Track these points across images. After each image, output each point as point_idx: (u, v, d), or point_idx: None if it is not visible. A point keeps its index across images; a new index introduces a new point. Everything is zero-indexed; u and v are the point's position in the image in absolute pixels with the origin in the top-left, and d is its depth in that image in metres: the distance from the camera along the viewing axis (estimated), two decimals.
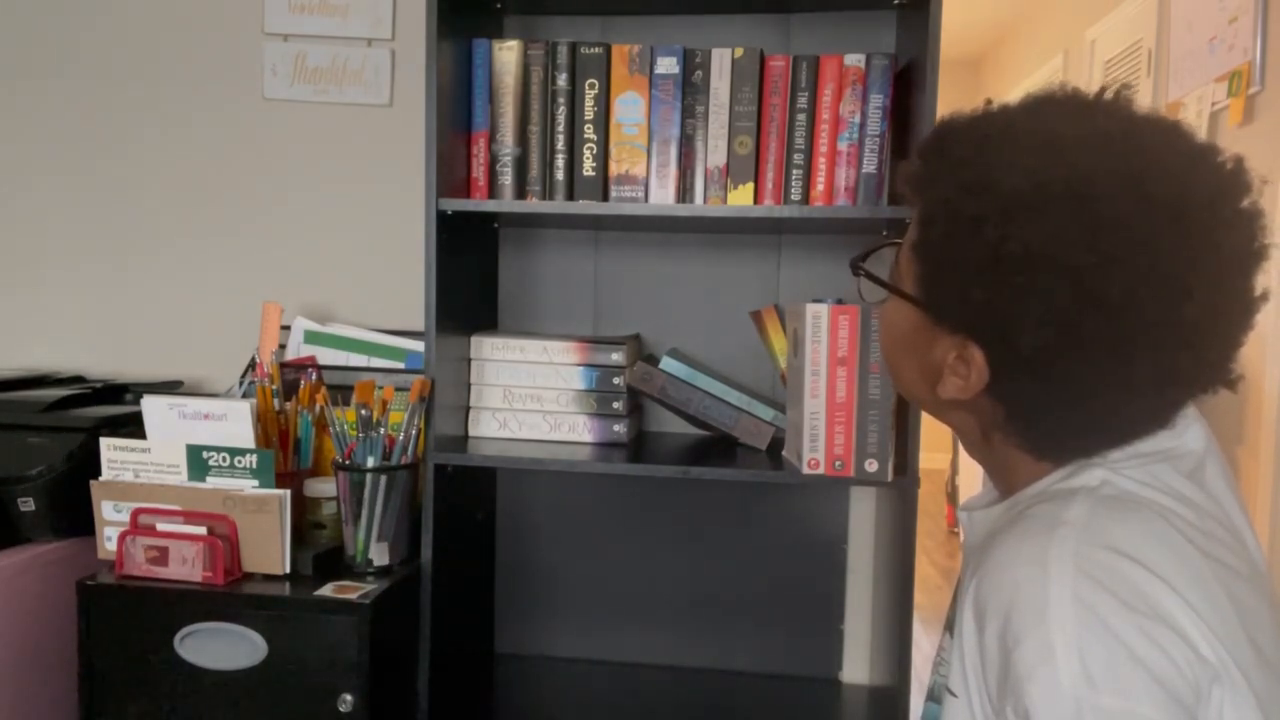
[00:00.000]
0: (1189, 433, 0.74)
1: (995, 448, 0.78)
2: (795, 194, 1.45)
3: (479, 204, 1.48)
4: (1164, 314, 0.64)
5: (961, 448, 0.84)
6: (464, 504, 1.59)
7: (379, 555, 1.40)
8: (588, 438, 1.54)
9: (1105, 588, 0.62)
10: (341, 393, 1.51)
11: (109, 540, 1.39)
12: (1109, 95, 0.71)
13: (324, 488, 1.46)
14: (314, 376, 1.56)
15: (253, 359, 1.63)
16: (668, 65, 1.46)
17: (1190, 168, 0.66)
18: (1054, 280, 0.65)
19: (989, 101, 0.77)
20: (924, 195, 0.75)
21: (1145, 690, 0.60)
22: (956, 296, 0.71)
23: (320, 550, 1.41)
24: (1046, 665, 0.61)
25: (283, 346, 1.66)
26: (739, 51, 1.44)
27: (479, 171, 1.51)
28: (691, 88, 1.46)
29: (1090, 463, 0.72)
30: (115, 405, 1.62)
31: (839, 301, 1.40)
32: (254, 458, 1.36)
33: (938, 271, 0.73)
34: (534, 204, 1.49)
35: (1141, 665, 0.60)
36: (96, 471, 1.41)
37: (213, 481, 1.37)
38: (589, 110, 1.48)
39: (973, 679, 0.69)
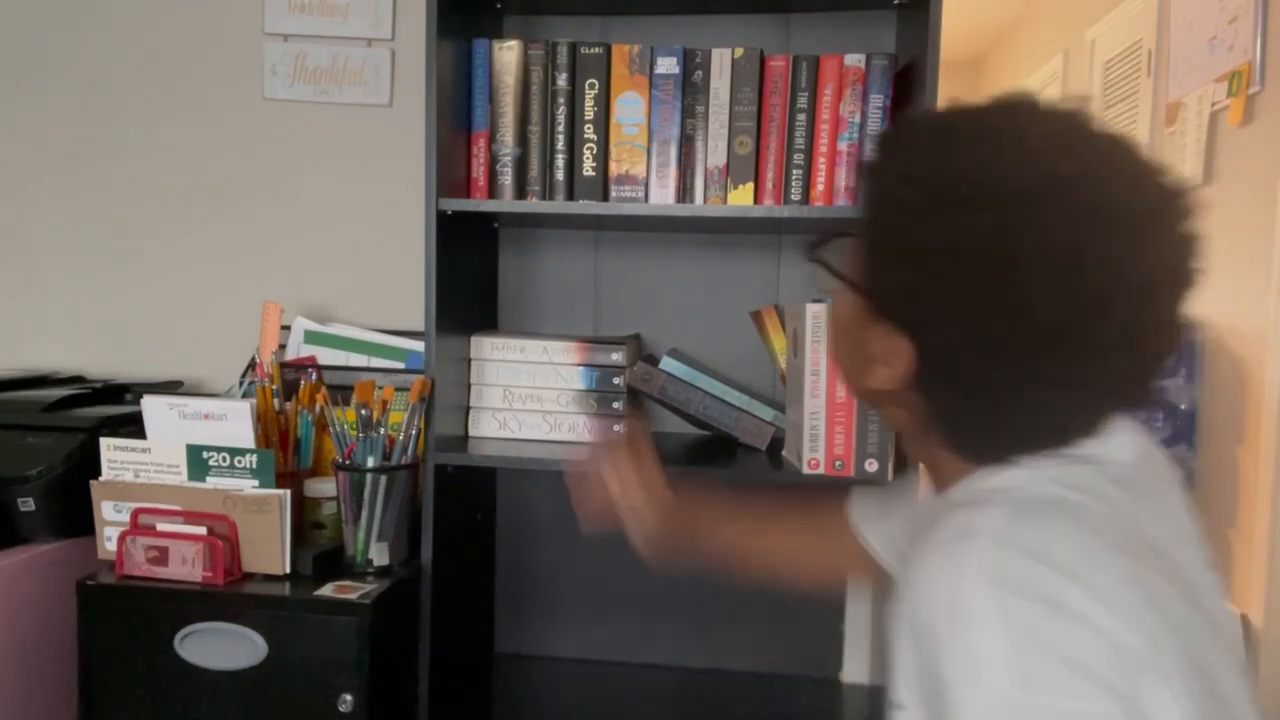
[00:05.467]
0: (1113, 440, 0.73)
1: (928, 446, 0.78)
2: (795, 194, 1.45)
3: (479, 204, 1.48)
4: (1081, 323, 0.64)
5: None
6: (464, 504, 1.59)
7: (379, 555, 1.40)
8: (588, 438, 1.54)
9: (1022, 593, 0.62)
10: (341, 393, 1.51)
11: (109, 540, 1.39)
12: (1066, 105, 0.71)
13: (324, 488, 1.46)
14: (314, 376, 1.56)
15: (253, 359, 1.64)
16: (668, 65, 1.46)
17: (1129, 182, 0.66)
18: (974, 275, 0.66)
19: (953, 102, 0.78)
20: (871, 182, 0.76)
21: (1077, 686, 0.60)
22: (887, 284, 0.72)
23: (320, 550, 1.41)
24: (973, 676, 0.61)
25: (283, 346, 1.66)
26: (739, 51, 1.44)
27: (479, 171, 1.51)
28: (691, 88, 1.46)
29: (1011, 463, 0.72)
30: (115, 405, 1.62)
31: None
32: (254, 458, 1.36)
33: (874, 258, 0.74)
34: (534, 204, 1.49)
35: (1067, 663, 0.60)
36: (96, 471, 1.41)
37: (213, 481, 1.37)
38: (589, 110, 1.48)
39: (915, 690, 0.69)
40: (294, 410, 1.50)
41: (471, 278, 1.61)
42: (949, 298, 0.67)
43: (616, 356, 1.54)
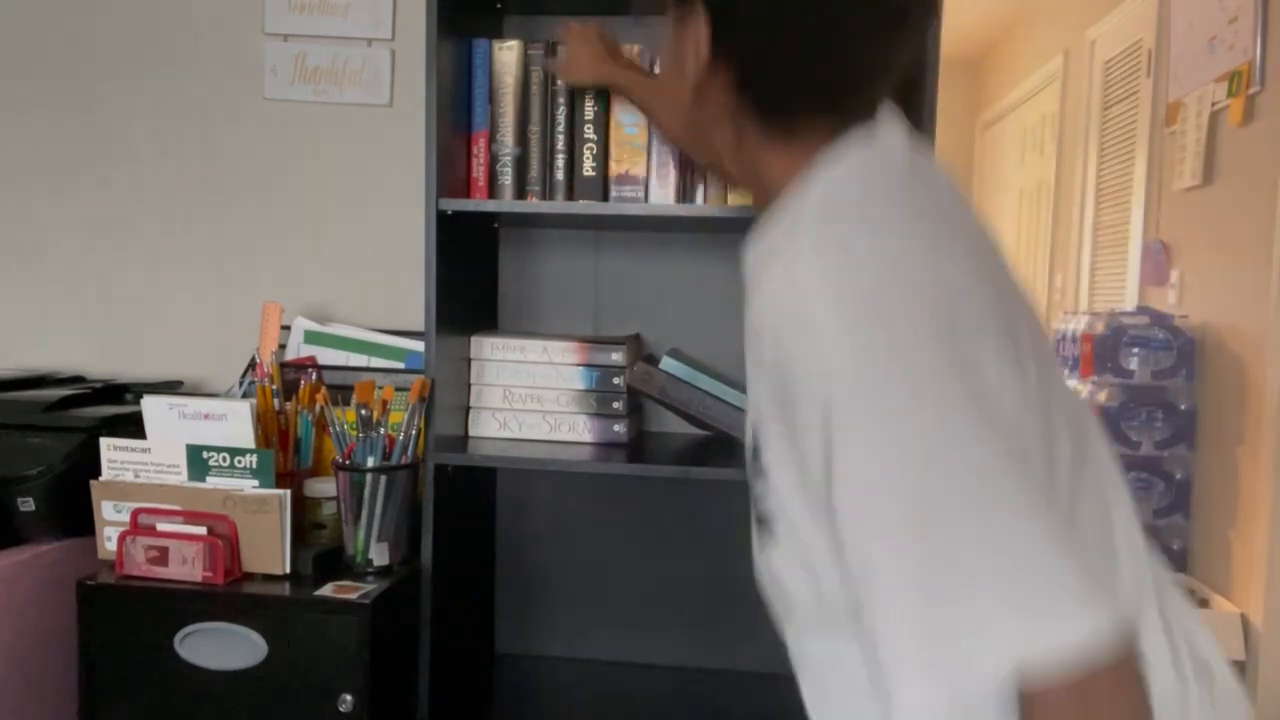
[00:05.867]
0: (890, 134, 0.77)
1: (748, 149, 0.80)
2: None
3: (479, 204, 1.48)
4: None
5: None
6: (464, 504, 1.59)
7: (379, 555, 1.40)
8: (588, 438, 1.54)
9: (846, 250, 0.66)
10: (341, 393, 1.51)
11: (109, 540, 1.39)
12: None
13: (324, 488, 1.46)
14: (314, 376, 1.56)
15: (253, 359, 1.63)
16: None
17: None
18: None
19: None
20: None
21: (907, 315, 0.62)
22: None
23: (320, 550, 1.41)
24: (816, 346, 0.63)
25: (283, 346, 1.66)
26: None
27: (479, 171, 1.51)
28: None
29: (814, 176, 0.75)
30: (115, 405, 1.62)
31: None
32: (254, 458, 1.36)
33: None
34: (534, 204, 1.49)
35: (891, 301, 0.63)
36: (96, 471, 1.41)
37: (213, 481, 1.37)
38: (589, 110, 1.48)
39: (774, 427, 0.70)
40: (294, 410, 1.50)
41: (471, 278, 1.61)
42: None
43: (616, 356, 1.54)
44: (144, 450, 1.40)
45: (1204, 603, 2.19)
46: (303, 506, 1.46)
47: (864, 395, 0.61)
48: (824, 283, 0.64)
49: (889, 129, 0.77)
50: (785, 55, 0.74)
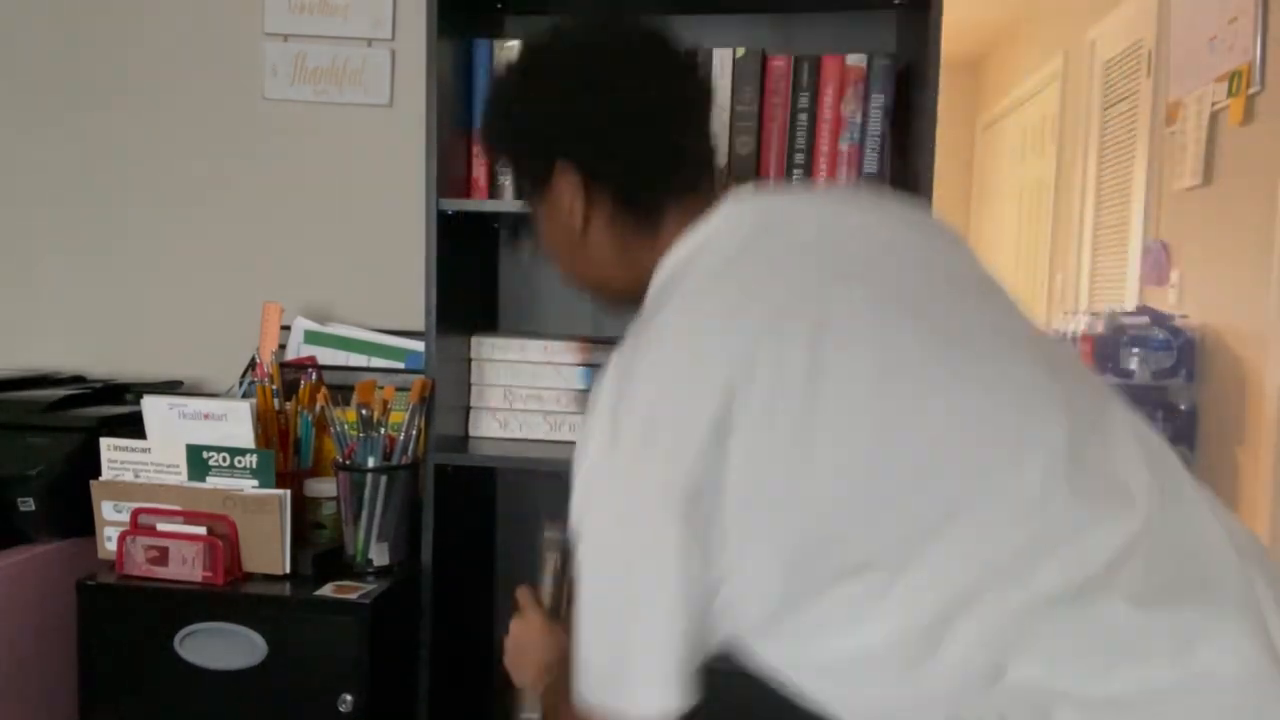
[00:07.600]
0: (722, 219, 0.88)
1: (631, 257, 0.93)
2: None
3: (479, 204, 1.48)
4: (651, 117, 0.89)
5: None
6: (464, 504, 1.59)
7: (379, 555, 1.40)
8: None
9: (621, 368, 0.90)
10: (341, 393, 1.51)
11: (109, 540, 1.39)
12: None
13: (324, 488, 1.46)
14: (314, 376, 1.56)
15: (253, 359, 1.63)
16: None
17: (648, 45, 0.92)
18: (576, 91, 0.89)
19: None
20: (493, 103, 0.99)
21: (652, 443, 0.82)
22: (533, 139, 0.93)
23: (320, 550, 1.41)
24: (583, 448, 0.83)
25: (283, 346, 1.66)
26: (740, 51, 1.44)
27: (479, 171, 1.51)
28: None
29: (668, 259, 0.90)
30: (115, 405, 1.62)
31: None
32: (254, 458, 1.36)
33: (517, 136, 0.94)
34: None
35: (646, 419, 0.84)
36: (96, 471, 1.41)
37: (213, 481, 1.37)
38: None
39: None
40: (294, 410, 1.50)
41: (471, 278, 1.61)
42: (573, 112, 0.90)
43: None
44: (144, 450, 1.40)
45: None
46: (303, 506, 1.46)
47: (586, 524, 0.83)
48: (605, 398, 0.89)
49: (724, 209, 0.88)
50: (636, 152, 0.90)
